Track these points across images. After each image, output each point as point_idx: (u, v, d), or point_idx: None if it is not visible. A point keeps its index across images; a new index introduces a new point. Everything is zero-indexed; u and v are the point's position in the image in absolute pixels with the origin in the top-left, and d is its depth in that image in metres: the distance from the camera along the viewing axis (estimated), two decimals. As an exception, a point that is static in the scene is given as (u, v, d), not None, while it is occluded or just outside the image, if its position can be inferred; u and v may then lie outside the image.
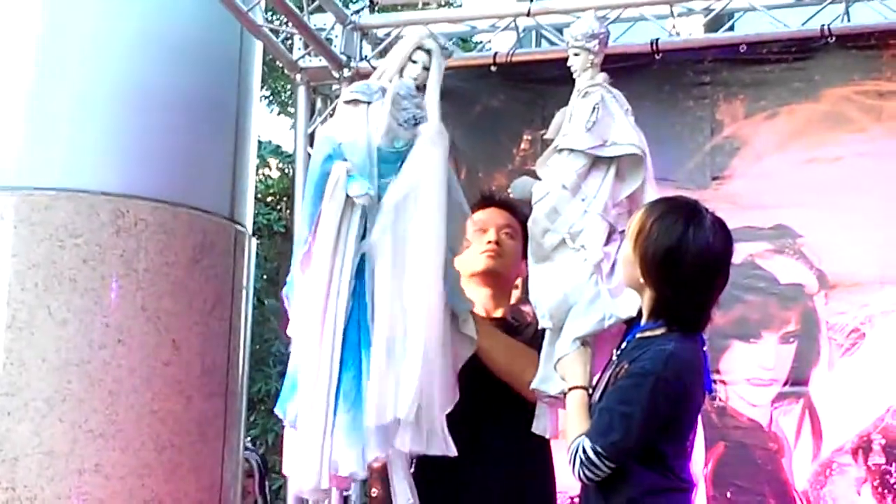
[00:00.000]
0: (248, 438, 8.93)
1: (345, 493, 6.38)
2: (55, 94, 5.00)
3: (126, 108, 5.08)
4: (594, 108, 3.99)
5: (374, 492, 6.19)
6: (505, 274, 4.24)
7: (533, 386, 3.91)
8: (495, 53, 6.38)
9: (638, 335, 3.55)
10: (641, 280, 3.50)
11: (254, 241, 5.68)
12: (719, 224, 3.53)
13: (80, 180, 4.95)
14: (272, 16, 6.43)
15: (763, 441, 5.61)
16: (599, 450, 3.38)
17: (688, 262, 3.43)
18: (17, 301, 4.81)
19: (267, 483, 8.03)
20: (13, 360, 4.76)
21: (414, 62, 4.09)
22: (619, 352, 3.61)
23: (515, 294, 4.47)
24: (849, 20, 5.78)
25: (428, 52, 4.09)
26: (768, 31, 5.97)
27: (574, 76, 4.12)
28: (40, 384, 4.74)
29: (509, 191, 4.32)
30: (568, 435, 3.56)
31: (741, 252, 5.59)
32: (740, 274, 5.54)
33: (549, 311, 3.91)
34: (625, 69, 5.70)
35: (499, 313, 4.26)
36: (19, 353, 4.77)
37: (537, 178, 4.13)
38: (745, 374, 5.66)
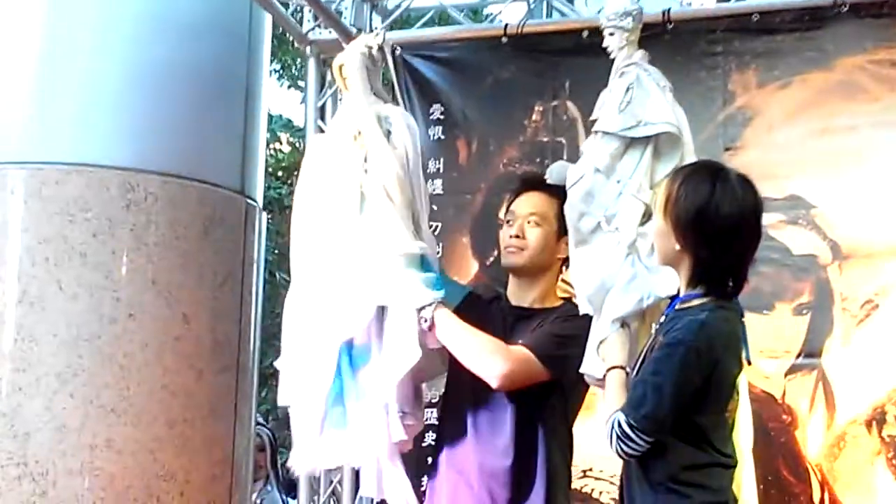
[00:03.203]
0: (259, 413, 8.94)
1: (356, 469, 6.39)
2: (64, 68, 4.98)
3: (135, 82, 5.06)
4: (628, 89, 3.96)
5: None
6: (531, 265, 4.19)
7: (581, 370, 3.88)
8: (506, 25, 6.36)
9: (676, 307, 3.52)
10: (677, 247, 3.45)
11: (264, 215, 5.66)
12: (745, 179, 3.51)
13: (90, 155, 4.94)
14: (282, -12, 6.41)
15: (776, 413, 5.59)
16: (633, 423, 3.35)
17: (721, 218, 3.40)
18: (27, 276, 4.80)
19: (278, 458, 8.04)
20: (24, 336, 4.76)
21: None
22: (658, 326, 3.58)
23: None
24: (861, -11, 5.75)
25: None
26: (781, 0, 5.93)
27: (611, 56, 4.09)
28: (51, 359, 4.73)
29: (546, 176, 4.29)
30: (606, 414, 3.52)
31: (755, 223, 5.56)
32: (753, 245, 5.51)
33: (588, 297, 3.89)
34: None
35: (525, 302, 4.22)
36: (30, 329, 4.76)
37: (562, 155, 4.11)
38: (759, 346, 5.62)
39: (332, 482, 6.54)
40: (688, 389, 3.35)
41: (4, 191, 4.88)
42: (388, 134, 4.07)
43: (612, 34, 4.09)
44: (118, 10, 5.07)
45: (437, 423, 4.29)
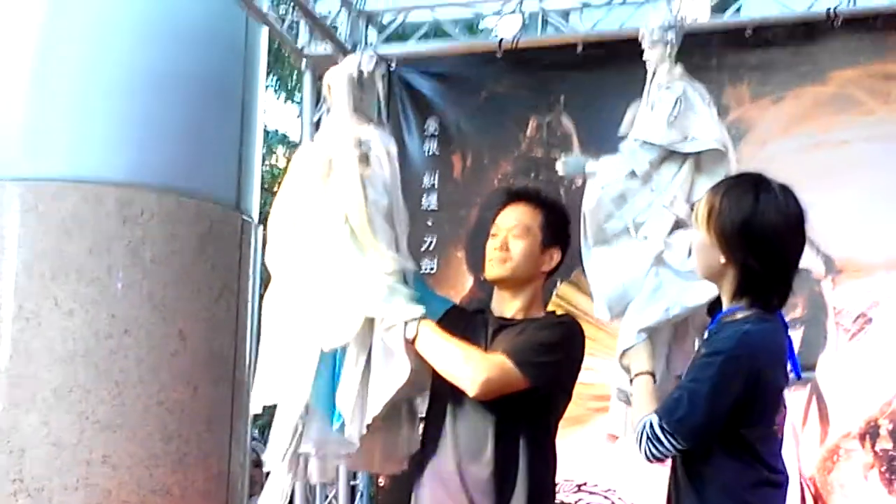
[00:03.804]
0: (255, 428, 8.93)
1: (351, 483, 6.41)
2: (59, 84, 5.00)
3: (131, 98, 5.07)
4: (677, 102, 3.95)
5: (382, 481, 6.21)
6: (514, 276, 4.17)
7: (616, 386, 3.88)
8: (501, 39, 6.38)
9: (721, 319, 3.49)
10: (722, 260, 3.40)
11: (260, 229, 5.67)
12: (786, 189, 3.46)
13: (86, 170, 4.95)
14: (277, 3, 6.43)
15: (770, 426, 5.60)
16: (665, 426, 3.28)
17: (767, 227, 3.35)
18: (23, 291, 4.81)
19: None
20: (20, 351, 4.76)
21: None
22: (702, 341, 3.56)
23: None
24: (855, 3, 5.77)
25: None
26: (774, 15, 5.95)
27: (649, 69, 4.07)
28: (47, 375, 4.74)
29: (558, 167, 4.29)
30: (634, 419, 3.48)
31: (747, 237, 5.57)
32: (747, 259, 5.51)
33: (608, 304, 3.88)
34: (630, 53, 5.68)
35: (508, 313, 4.21)
36: (26, 344, 4.77)
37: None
38: (752, 360, 5.65)
39: (327, 497, 6.54)
40: (726, 399, 3.29)
41: (0, 206, 4.89)
42: (366, 157, 4.08)
43: (653, 48, 4.08)
44: (113, 25, 5.09)
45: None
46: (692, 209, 3.77)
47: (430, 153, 6.42)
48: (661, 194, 3.89)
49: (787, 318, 5.56)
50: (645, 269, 3.82)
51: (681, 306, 3.76)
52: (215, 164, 5.35)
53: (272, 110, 15.41)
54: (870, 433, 5.43)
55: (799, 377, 3.58)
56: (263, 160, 11.76)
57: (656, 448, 3.32)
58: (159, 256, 4.97)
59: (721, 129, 3.98)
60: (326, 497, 6.56)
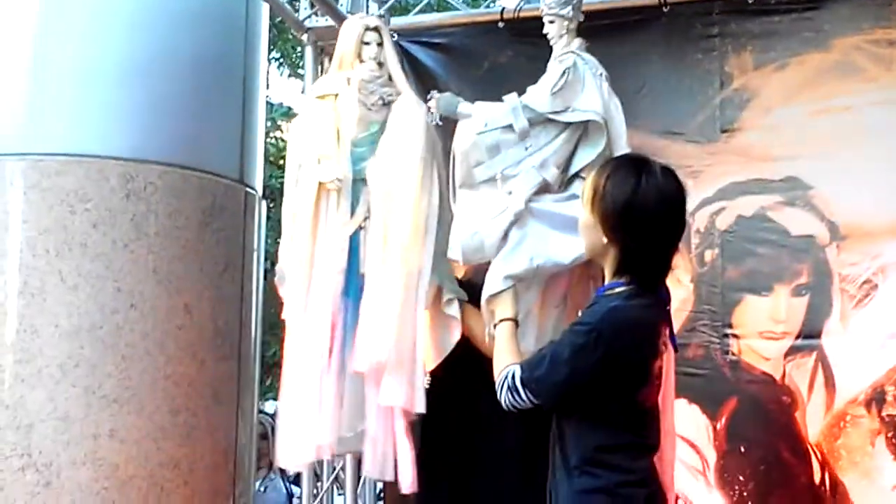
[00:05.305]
0: (264, 402, 8.95)
1: (358, 457, 6.42)
2: (61, 58, 4.98)
3: (132, 72, 5.05)
4: (564, 73, 4.05)
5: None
6: None
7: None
8: (503, 9, 6.37)
9: (602, 293, 3.62)
10: (605, 240, 3.56)
11: (264, 203, 5.67)
12: (669, 171, 3.64)
13: (89, 145, 4.94)
14: (278, -24, 6.43)
15: (776, 394, 5.61)
16: (524, 380, 3.53)
17: (648, 210, 3.52)
18: (28, 267, 4.81)
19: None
20: (26, 327, 4.76)
21: (367, 43, 4.13)
22: (582, 312, 3.69)
23: None
24: (857, -32, 5.75)
25: (375, 28, 4.13)
26: (777, -19, 5.93)
27: (551, 43, 4.18)
28: (53, 350, 4.74)
29: (430, 104, 4.38)
30: (496, 365, 3.68)
31: (752, 205, 5.58)
32: (751, 227, 5.53)
33: (462, 247, 3.99)
34: (633, 23, 5.68)
35: None
36: (32, 320, 4.77)
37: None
38: (758, 328, 5.66)
39: (335, 469, 6.56)
40: (584, 367, 3.46)
41: (4, 182, 4.88)
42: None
43: (551, 22, 4.19)
44: (115, 1, 5.07)
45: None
46: (562, 174, 4.02)
47: (433, 124, 6.42)
48: (534, 154, 3.98)
49: (792, 285, 5.64)
50: (503, 222, 3.91)
51: (545, 258, 3.92)
52: (218, 137, 5.34)
53: (276, 83, 15.42)
54: (876, 399, 5.44)
55: (676, 350, 3.71)
56: (267, 134, 11.77)
57: (514, 399, 3.57)
58: (164, 230, 4.97)
59: (610, 101, 4.08)
60: (334, 469, 6.58)
